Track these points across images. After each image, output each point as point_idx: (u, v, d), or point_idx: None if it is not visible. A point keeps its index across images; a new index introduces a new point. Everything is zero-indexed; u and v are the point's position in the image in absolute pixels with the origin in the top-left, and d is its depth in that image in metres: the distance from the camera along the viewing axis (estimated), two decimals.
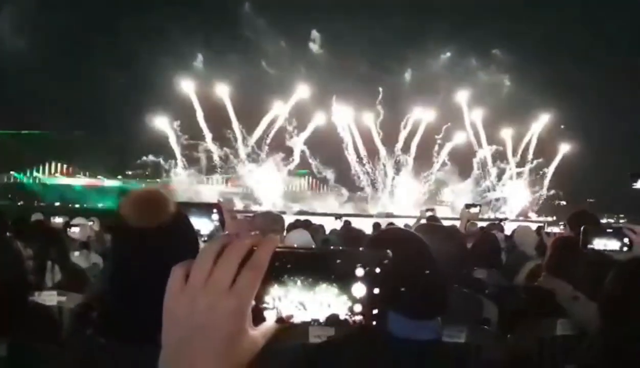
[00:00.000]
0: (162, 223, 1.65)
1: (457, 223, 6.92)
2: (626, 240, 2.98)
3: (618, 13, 71.72)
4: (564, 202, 72.43)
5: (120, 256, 1.69)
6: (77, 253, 5.47)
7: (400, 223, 12.52)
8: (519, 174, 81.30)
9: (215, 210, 2.67)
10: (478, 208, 7.13)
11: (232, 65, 72.67)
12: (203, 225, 2.60)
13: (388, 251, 0.73)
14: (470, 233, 6.06)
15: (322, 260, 0.72)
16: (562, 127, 75.16)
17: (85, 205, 62.63)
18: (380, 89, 75.70)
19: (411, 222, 9.37)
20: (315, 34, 77.95)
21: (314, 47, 78.55)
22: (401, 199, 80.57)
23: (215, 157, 74.17)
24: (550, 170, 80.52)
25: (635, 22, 73.51)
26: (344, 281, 0.71)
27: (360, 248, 0.75)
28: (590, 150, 76.11)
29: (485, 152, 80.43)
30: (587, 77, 79.58)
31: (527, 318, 3.08)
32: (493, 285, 4.01)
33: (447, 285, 1.94)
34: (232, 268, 0.71)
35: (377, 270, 0.71)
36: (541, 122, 76.97)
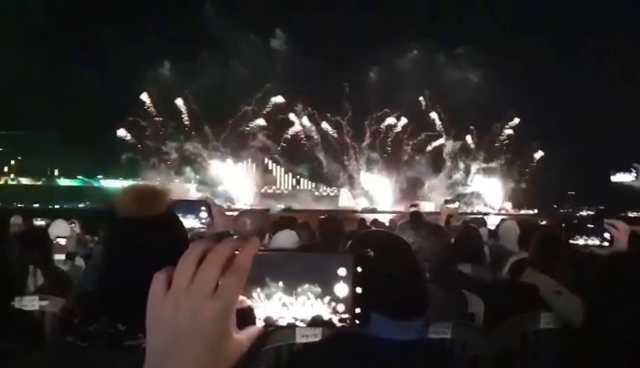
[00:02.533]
0: (158, 215, 1.67)
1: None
2: (607, 235, 3.03)
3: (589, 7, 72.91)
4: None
5: (113, 251, 1.70)
6: (59, 256, 5.39)
7: (384, 218, 12.60)
8: (488, 169, 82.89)
9: (203, 207, 2.67)
10: (457, 203, 7.22)
11: (200, 66, 73.08)
12: (191, 221, 2.59)
13: (369, 250, 0.74)
14: (452, 228, 6.09)
15: (304, 261, 0.73)
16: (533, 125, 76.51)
17: (65, 206, 62.16)
18: (347, 87, 77.02)
19: (395, 217, 9.41)
20: (279, 32, 78.66)
21: (278, 45, 79.09)
22: (375, 195, 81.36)
23: (187, 156, 74.87)
24: (527, 164, 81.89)
25: (604, 18, 74.63)
26: (326, 282, 0.72)
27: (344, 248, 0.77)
28: (568, 145, 77.50)
29: (454, 146, 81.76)
30: (561, 73, 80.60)
31: (511, 312, 3.10)
32: (477, 280, 4.03)
33: (428, 285, 1.94)
34: (215, 272, 0.71)
35: (359, 269, 0.72)
36: (514, 118, 78.14)
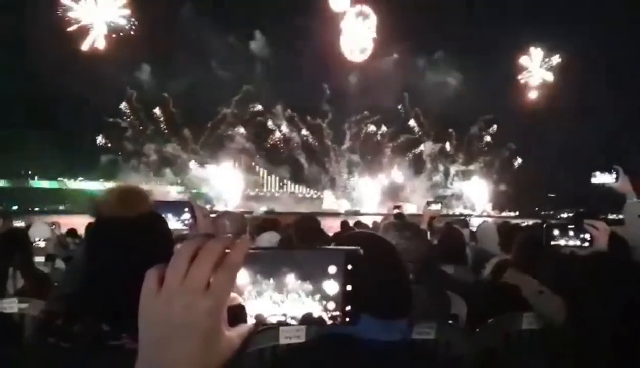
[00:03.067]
0: (142, 215, 1.67)
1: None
2: (587, 236, 3.07)
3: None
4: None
5: (97, 250, 1.69)
6: (39, 258, 5.32)
7: (367, 220, 12.61)
8: (467, 172, 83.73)
9: (186, 209, 2.66)
10: (439, 205, 7.23)
11: (178, 69, 72.86)
12: (174, 223, 2.58)
13: (359, 248, 0.74)
14: (435, 230, 6.11)
15: (295, 259, 0.73)
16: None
17: (45, 208, 61.38)
18: (327, 89, 77.32)
19: (378, 219, 9.42)
20: (258, 35, 78.63)
21: (258, 47, 79.07)
22: (358, 196, 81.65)
23: (167, 158, 74.58)
24: (507, 166, 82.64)
25: (578, 19, 75.54)
26: (316, 279, 0.73)
27: (332, 246, 0.77)
28: (547, 147, 78.42)
29: (433, 148, 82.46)
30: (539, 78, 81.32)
31: (494, 313, 3.12)
32: (460, 281, 4.06)
33: (412, 285, 1.94)
34: (207, 268, 0.72)
35: (349, 267, 0.72)
36: (492, 124, 78.97)
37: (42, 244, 5.79)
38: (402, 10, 73.90)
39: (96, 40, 68.86)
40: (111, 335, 1.47)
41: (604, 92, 77.05)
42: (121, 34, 69.63)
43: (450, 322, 3.08)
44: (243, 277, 0.73)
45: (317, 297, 0.72)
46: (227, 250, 0.73)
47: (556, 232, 3.15)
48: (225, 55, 76.20)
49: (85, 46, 67.82)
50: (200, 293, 0.71)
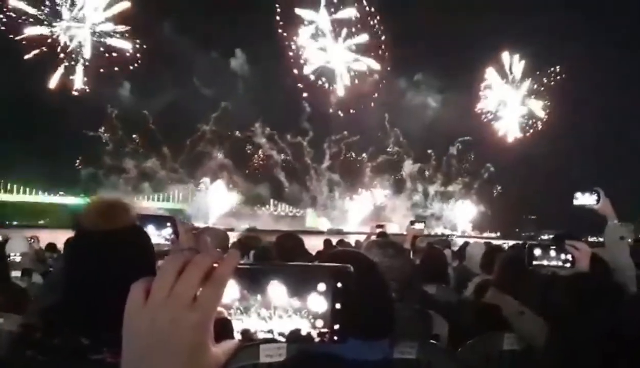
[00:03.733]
0: (124, 228, 1.65)
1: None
2: (569, 256, 3.09)
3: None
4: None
5: (78, 263, 1.66)
6: (15, 273, 5.23)
7: (350, 239, 12.61)
8: (446, 193, 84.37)
9: (169, 224, 2.64)
10: (423, 224, 7.23)
11: (158, 86, 72.83)
12: (155, 238, 2.55)
13: (349, 266, 0.73)
14: (418, 249, 6.13)
15: (283, 275, 0.72)
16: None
17: (24, 223, 60.48)
18: (307, 107, 77.68)
19: (361, 238, 9.42)
20: (239, 52, 78.87)
21: (238, 65, 79.27)
22: (339, 215, 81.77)
23: (147, 173, 74.20)
24: (487, 187, 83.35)
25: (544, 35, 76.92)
26: (305, 296, 0.71)
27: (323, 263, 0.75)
28: (530, 168, 79.31)
29: (412, 168, 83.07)
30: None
31: (475, 333, 3.12)
32: (442, 300, 4.06)
33: (394, 305, 1.94)
34: (194, 283, 0.71)
35: (339, 284, 0.71)
36: (469, 146, 79.73)
37: (18, 258, 5.69)
38: (383, 31, 75.16)
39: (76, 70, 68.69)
40: (91, 349, 1.44)
41: (587, 113, 78.51)
42: (103, 50, 69.44)
43: (432, 341, 3.07)
44: (230, 292, 0.72)
45: (306, 314, 0.71)
46: (215, 265, 0.72)
47: (538, 252, 3.16)
48: (206, 72, 76.40)
49: (53, 81, 67.53)
50: (186, 307, 0.70)
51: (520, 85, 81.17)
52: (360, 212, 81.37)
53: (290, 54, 74.39)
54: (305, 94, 76.24)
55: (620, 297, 2.00)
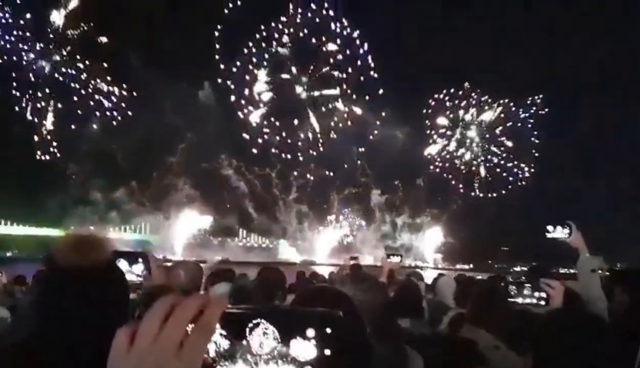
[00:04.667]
0: (98, 265, 1.61)
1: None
2: (544, 294, 3.12)
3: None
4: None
5: (52, 300, 1.61)
6: None
7: (323, 270, 12.55)
8: (414, 224, 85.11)
9: (140, 259, 2.61)
10: (399, 257, 7.21)
11: (126, 118, 72.95)
12: (129, 274, 2.52)
13: (339, 312, 0.72)
14: (394, 282, 6.10)
15: (272, 320, 0.70)
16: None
17: None
18: (276, 139, 78.21)
19: (334, 269, 9.38)
20: (207, 85, 79.38)
21: (206, 96, 79.70)
22: (309, 246, 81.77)
23: (115, 203, 73.46)
24: (456, 218, 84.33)
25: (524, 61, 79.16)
26: (293, 342, 0.70)
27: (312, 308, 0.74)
28: (500, 198, 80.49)
29: (380, 199, 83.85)
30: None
31: (450, 367, 3.10)
32: (417, 334, 4.03)
33: (371, 341, 1.92)
34: (181, 329, 0.69)
35: (328, 330, 0.69)
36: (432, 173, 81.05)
37: None
38: (350, 64, 76.73)
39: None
40: None
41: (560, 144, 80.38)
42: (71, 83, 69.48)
43: None
44: (215, 336, 0.71)
45: (293, 360, 0.69)
46: (202, 309, 0.71)
47: (513, 288, 3.19)
48: (174, 104, 76.60)
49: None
50: (172, 354, 0.68)
51: (482, 120, 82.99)
52: (329, 243, 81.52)
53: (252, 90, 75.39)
54: (267, 130, 76.96)
55: (599, 329, 2.01)
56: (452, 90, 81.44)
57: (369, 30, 79.55)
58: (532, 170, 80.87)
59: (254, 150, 77.68)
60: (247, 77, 75.15)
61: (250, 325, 0.70)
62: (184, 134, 77.88)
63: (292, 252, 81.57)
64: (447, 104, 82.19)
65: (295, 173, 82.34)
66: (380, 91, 77.16)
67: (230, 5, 72.77)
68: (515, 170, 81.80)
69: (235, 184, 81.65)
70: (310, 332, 0.69)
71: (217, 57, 73.19)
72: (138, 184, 76.30)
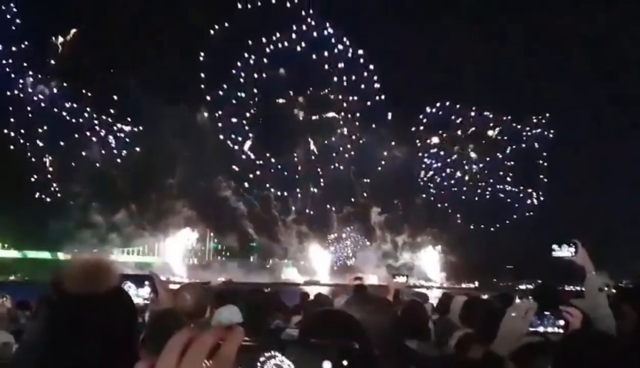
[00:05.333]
0: (107, 292, 1.60)
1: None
2: (562, 322, 3.06)
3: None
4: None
5: (63, 328, 1.60)
6: None
7: (328, 290, 12.49)
8: (414, 243, 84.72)
9: (147, 282, 2.60)
10: (405, 277, 7.17)
11: (125, 141, 73.27)
12: (135, 297, 2.52)
13: (355, 343, 0.72)
14: (400, 302, 6.06)
15: (287, 353, 0.70)
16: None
17: None
18: (273, 162, 78.34)
19: (339, 288, 9.33)
20: (203, 107, 79.76)
21: (203, 119, 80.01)
22: (310, 266, 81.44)
23: (116, 225, 73.39)
24: (458, 237, 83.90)
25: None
26: None
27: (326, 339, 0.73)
28: (503, 219, 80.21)
29: (380, 218, 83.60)
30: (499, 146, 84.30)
31: None
32: (424, 356, 4.00)
33: (377, 362, 1.91)
34: (198, 364, 0.69)
35: (345, 363, 0.69)
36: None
37: None
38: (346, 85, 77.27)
39: None
40: None
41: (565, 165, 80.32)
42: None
43: None
44: None
45: None
46: (220, 342, 0.71)
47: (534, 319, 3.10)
48: (173, 126, 77.03)
49: None
50: None
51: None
52: (331, 262, 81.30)
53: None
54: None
55: (615, 348, 2.00)
56: (449, 105, 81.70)
57: (370, 51, 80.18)
58: (542, 198, 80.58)
59: (250, 175, 77.97)
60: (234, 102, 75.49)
61: (266, 357, 0.70)
62: (182, 157, 78.27)
63: (294, 272, 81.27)
64: (445, 122, 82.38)
65: (292, 198, 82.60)
66: (388, 114, 77.52)
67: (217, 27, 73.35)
68: (522, 195, 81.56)
69: (234, 204, 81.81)
70: (327, 365, 0.69)
71: (202, 86, 73.75)
72: (137, 207, 76.43)
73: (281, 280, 70.60)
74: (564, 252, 3.94)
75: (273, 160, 79.15)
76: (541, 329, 3.08)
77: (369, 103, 78.81)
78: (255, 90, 77.80)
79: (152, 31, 73.61)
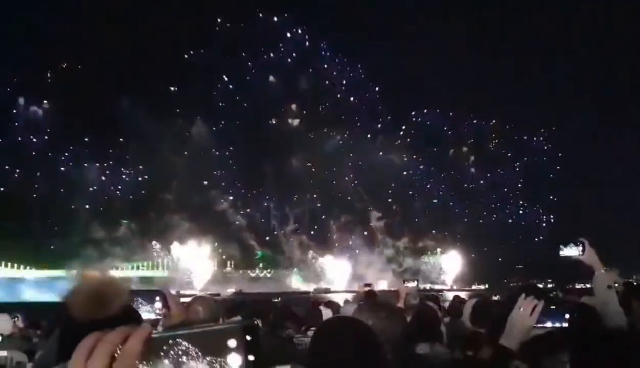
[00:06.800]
0: (118, 313, 1.62)
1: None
2: (567, 316, 3.09)
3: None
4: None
5: (71, 349, 1.60)
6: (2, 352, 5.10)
7: (338, 298, 12.48)
8: (416, 248, 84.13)
9: (158, 298, 2.63)
10: (415, 282, 7.20)
11: (121, 161, 73.56)
12: (146, 314, 2.54)
13: (255, 320, 0.75)
14: (410, 305, 6.08)
15: (196, 339, 0.74)
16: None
17: (7, 299, 58.67)
18: (271, 171, 78.39)
19: (348, 296, 9.35)
20: (199, 121, 79.96)
21: (199, 132, 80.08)
22: (314, 275, 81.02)
23: (118, 240, 73.33)
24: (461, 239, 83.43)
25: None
26: (220, 355, 0.73)
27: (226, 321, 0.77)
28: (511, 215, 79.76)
29: (379, 223, 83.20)
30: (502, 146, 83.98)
31: None
32: (436, 360, 4.01)
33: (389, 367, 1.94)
34: (102, 362, 0.71)
35: (248, 337, 0.73)
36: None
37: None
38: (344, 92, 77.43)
39: None
40: None
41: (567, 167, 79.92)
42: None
43: None
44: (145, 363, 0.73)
45: None
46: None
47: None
48: (168, 140, 77.30)
49: None
50: None
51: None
52: (337, 270, 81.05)
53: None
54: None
55: (627, 343, 2.02)
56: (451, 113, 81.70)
57: (368, 60, 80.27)
58: (552, 219, 79.93)
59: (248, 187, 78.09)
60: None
61: (177, 347, 0.73)
62: (180, 171, 78.51)
63: (301, 282, 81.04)
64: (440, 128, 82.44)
65: (288, 206, 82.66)
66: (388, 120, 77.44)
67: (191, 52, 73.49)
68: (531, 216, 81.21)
69: (233, 218, 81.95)
70: (232, 343, 0.73)
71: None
72: (138, 222, 76.45)
73: (290, 290, 70.34)
74: (571, 251, 3.96)
75: (269, 171, 79.27)
76: (549, 324, 3.11)
77: (364, 107, 78.82)
78: (245, 104, 78.17)
79: (136, 54, 74.34)
